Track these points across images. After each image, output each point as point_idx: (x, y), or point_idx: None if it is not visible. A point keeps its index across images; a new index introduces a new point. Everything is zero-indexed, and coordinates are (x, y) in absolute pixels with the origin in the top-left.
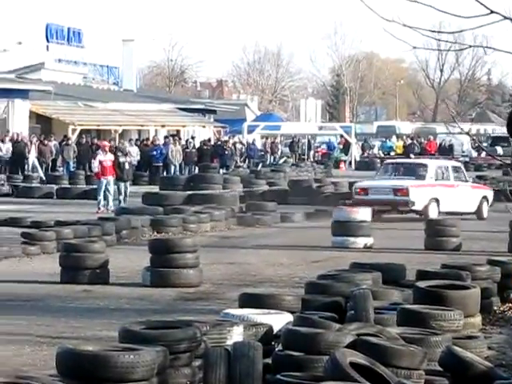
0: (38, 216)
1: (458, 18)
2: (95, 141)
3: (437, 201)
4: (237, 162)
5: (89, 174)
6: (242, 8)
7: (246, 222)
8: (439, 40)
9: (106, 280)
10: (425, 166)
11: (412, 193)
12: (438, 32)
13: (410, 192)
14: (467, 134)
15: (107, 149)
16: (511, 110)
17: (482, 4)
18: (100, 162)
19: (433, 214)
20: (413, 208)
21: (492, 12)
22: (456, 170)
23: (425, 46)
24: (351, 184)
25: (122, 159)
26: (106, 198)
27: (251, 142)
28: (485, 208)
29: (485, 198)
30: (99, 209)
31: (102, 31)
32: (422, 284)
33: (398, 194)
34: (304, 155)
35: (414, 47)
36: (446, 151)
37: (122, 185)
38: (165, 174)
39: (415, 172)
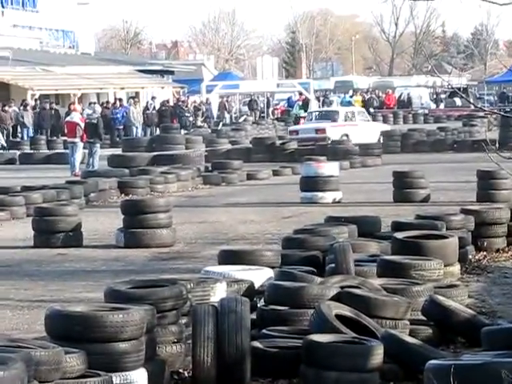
0: (3, 182)
1: None
2: (54, 106)
3: (347, 135)
4: (196, 123)
5: (50, 139)
6: None
7: (213, 180)
8: None
9: (80, 243)
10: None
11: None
12: None
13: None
14: (456, 89)
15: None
16: None
17: None
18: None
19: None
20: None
21: None
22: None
23: None
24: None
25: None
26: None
27: (205, 102)
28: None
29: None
30: (75, 171)
31: None
32: (399, 235)
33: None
34: (263, 113)
35: None
36: (404, 104)
37: (97, 146)
38: (126, 136)
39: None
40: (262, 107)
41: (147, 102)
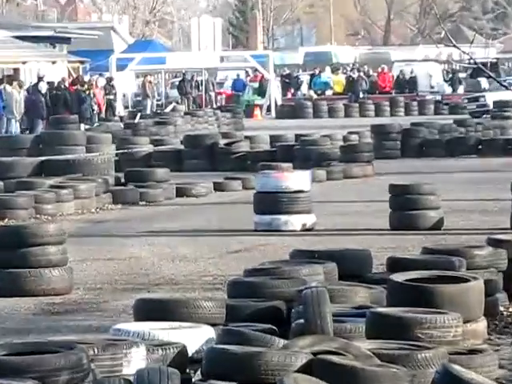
0: None
1: None
2: None
3: None
4: (100, 113)
5: None
6: None
7: (127, 198)
8: None
9: None
10: None
11: None
12: None
13: None
14: (481, 65)
15: None
16: None
17: None
18: None
19: None
20: None
21: None
22: None
23: None
24: (273, 138)
25: None
26: None
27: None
28: None
29: None
30: None
31: None
32: (397, 277)
33: None
34: (201, 99)
35: None
36: (406, 87)
37: None
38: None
39: None
40: (199, 91)
41: (33, 85)
